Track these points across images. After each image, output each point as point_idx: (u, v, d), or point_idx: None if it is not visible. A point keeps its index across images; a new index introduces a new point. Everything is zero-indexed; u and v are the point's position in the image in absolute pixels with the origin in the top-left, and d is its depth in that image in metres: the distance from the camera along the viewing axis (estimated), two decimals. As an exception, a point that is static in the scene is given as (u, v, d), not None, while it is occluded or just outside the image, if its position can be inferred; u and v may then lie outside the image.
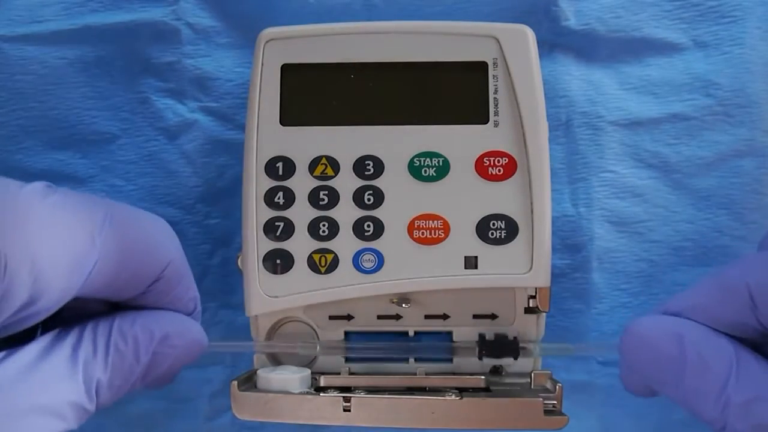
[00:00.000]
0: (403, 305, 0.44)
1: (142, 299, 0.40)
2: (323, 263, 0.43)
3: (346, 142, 0.43)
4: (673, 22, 0.49)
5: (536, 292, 0.43)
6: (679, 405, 0.38)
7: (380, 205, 0.43)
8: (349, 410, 0.40)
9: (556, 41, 0.49)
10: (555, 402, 0.41)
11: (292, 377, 0.42)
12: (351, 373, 0.44)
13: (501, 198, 0.43)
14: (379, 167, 0.43)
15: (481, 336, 0.44)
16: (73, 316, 0.39)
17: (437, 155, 0.43)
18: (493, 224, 0.43)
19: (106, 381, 0.37)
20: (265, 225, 0.43)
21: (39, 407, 0.34)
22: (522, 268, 0.43)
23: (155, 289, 0.40)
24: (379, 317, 0.45)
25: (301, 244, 0.43)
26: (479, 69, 0.43)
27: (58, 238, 0.35)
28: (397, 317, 0.44)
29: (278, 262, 0.43)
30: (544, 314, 0.45)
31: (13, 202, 0.35)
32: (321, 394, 0.41)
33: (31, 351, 0.36)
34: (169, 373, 0.40)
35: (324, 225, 0.43)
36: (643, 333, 0.39)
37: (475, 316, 0.45)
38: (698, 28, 0.49)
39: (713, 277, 0.39)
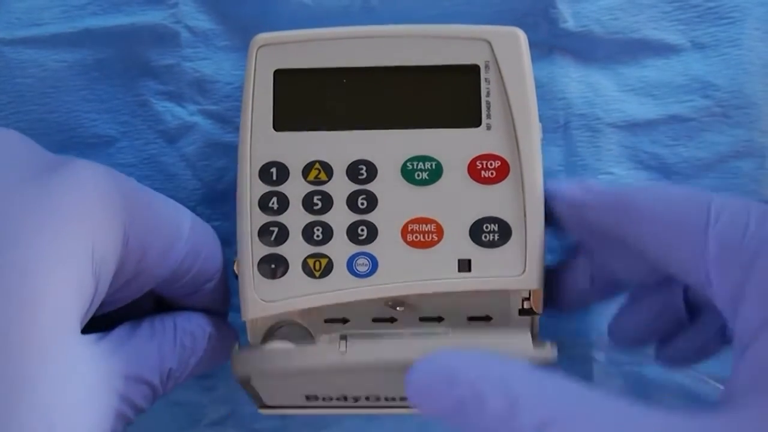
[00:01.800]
0: (397, 308, 0.44)
1: (190, 298, 0.44)
2: (318, 267, 0.43)
3: (339, 146, 0.43)
4: (671, 23, 0.48)
5: (530, 294, 0.43)
6: None
7: (374, 209, 0.43)
8: (345, 352, 0.41)
9: (554, 43, 0.49)
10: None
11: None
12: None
13: (494, 201, 0.43)
14: (372, 171, 0.43)
15: None
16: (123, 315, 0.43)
17: (430, 159, 0.43)
18: (486, 227, 0.43)
19: (174, 369, 0.41)
20: (259, 230, 0.43)
21: (129, 376, 0.38)
22: (515, 270, 0.43)
23: (205, 289, 0.44)
24: (374, 320, 0.45)
25: (295, 249, 0.43)
26: (471, 72, 0.43)
27: (159, 224, 0.40)
28: (392, 320, 0.45)
29: (273, 267, 0.43)
30: (538, 316, 0.45)
31: (126, 185, 0.39)
32: (318, 340, 0.42)
33: (120, 333, 0.40)
34: (208, 367, 0.44)
35: (318, 230, 0.43)
36: (420, 378, 0.34)
37: (470, 318, 0.45)
38: (696, 29, 0.48)
39: None
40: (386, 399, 0.44)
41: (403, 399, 0.44)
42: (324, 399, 0.44)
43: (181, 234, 0.41)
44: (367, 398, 0.44)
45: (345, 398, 0.44)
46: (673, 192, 0.39)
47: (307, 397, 0.44)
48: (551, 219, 0.43)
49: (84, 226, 0.36)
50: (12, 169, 0.37)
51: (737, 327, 0.35)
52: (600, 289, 0.44)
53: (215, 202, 0.49)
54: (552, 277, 0.44)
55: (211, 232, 0.44)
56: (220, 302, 0.46)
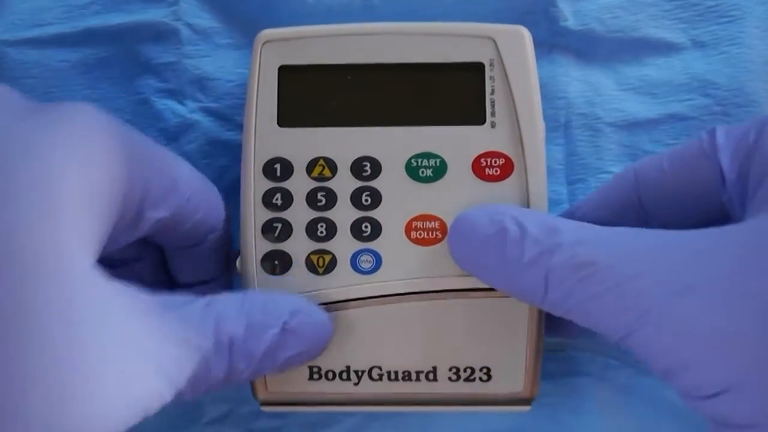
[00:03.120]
0: None
1: (193, 252, 0.44)
2: (321, 264, 0.43)
3: (344, 143, 0.43)
4: (671, 21, 0.49)
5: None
6: (505, 291, 0.39)
7: (378, 206, 0.43)
8: None
9: (554, 42, 0.49)
10: None
11: None
12: None
13: (498, 198, 0.43)
14: (376, 168, 0.43)
15: None
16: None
17: (434, 156, 0.43)
18: None
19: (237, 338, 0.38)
20: (263, 226, 0.43)
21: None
22: None
23: (208, 242, 0.44)
24: None
25: (299, 245, 0.43)
26: (476, 70, 0.43)
27: (160, 155, 0.41)
28: None
29: (276, 263, 0.43)
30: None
31: (121, 124, 0.39)
32: None
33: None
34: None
35: (322, 226, 0.43)
36: (466, 218, 0.40)
37: None
38: (697, 27, 0.49)
39: None
40: (389, 375, 0.44)
41: (405, 372, 0.43)
42: (327, 377, 0.44)
43: (181, 173, 0.41)
44: (371, 375, 0.44)
45: (348, 374, 0.44)
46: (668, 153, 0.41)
47: (311, 374, 0.44)
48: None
49: (94, 149, 0.35)
50: (14, 103, 0.36)
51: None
52: None
53: (217, 200, 0.49)
54: None
55: (210, 183, 0.44)
56: (222, 261, 0.46)
